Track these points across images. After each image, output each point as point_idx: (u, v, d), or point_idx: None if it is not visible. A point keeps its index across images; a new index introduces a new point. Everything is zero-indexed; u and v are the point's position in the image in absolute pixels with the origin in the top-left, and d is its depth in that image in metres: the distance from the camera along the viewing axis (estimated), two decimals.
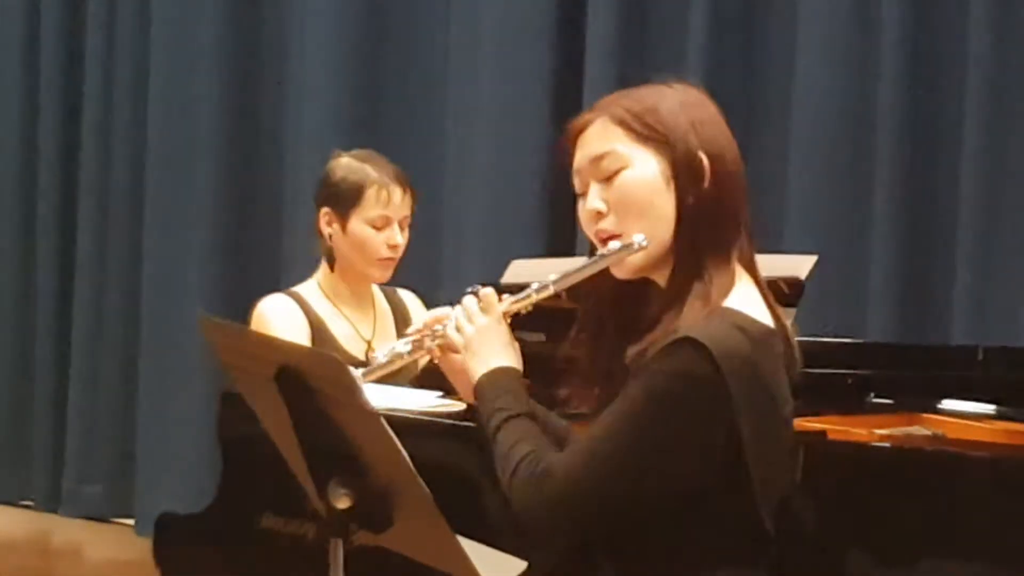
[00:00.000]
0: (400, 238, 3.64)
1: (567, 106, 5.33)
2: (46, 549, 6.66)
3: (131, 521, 6.62)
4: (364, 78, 5.95)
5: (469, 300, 2.32)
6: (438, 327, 2.34)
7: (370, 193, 3.62)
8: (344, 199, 3.63)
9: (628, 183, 2.19)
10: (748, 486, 2.10)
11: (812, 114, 4.85)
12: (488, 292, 2.32)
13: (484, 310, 2.30)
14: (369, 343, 3.69)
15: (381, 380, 2.40)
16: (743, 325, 2.10)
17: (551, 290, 2.27)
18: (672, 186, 2.17)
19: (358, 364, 3.48)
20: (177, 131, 6.43)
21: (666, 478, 2.10)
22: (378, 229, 3.62)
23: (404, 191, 3.65)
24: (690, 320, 2.11)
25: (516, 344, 2.32)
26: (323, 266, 3.73)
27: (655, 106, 2.21)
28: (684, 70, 4.93)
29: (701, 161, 2.17)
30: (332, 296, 3.70)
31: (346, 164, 3.68)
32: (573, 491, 2.11)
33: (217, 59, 6.30)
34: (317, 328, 3.62)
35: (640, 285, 2.24)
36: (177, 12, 6.45)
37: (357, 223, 3.62)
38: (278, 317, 3.61)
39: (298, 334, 3.56)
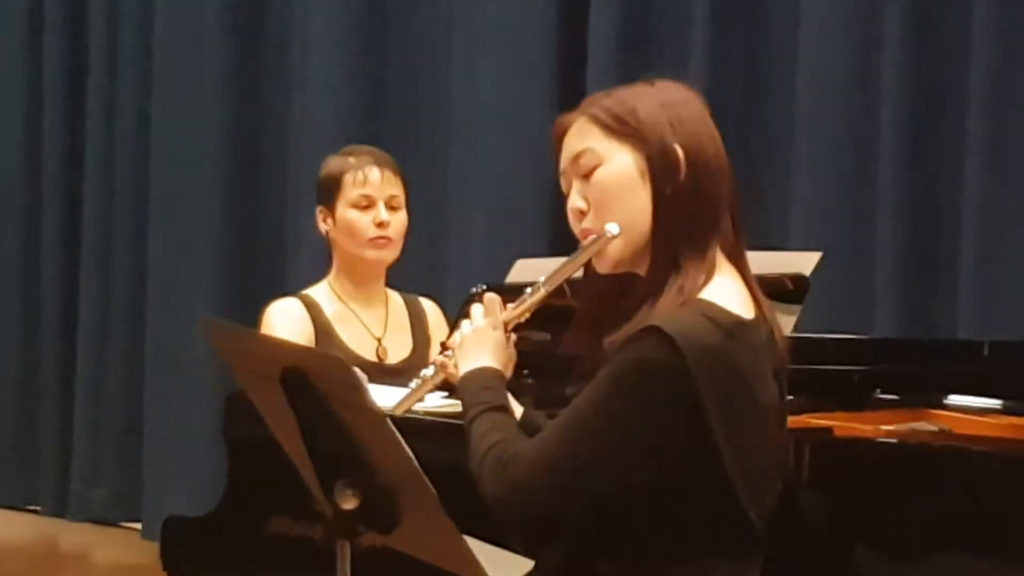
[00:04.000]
0: (386, 215, 3.66)
1: (571, 104, 5.31)
2: (53, 553, 6.67)
3: (138, 525, 6.63)
4: (368, 78, 5.96)
5: (475, 308, 2.36)
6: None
7: (347, 178, 3.67)
8: (329, 191, 3.69)
9: (603, 179, 2.23)
10: (725, 477, 2.11)
11: (816, 110, 4.85)
12: (490, 297, 2.36)
13: (484, 315, 2.35)
14: (380, 340, 3.71)
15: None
16: (713, 316, 2.12)
17: (542, 292, 2.32)
18: (647, 180, 2.20)
19: (367, 365, 3.50)
20: (181, 131, 6.44)
21: (627, 463, 2.11)
22: (363, 210, 3.65)
23: (383, 170, 3.69)
24: (663, 311, 2.14)
25: (511, 351, 2.36)
26: (332, 268, 3.75)
27: (632, 103, 2.24)
28: (687, 69, 4.93)
29: (676, 153, 2.19)
30: (342, 296, 3.72)
31: (330, 161, 3.76)
32: (537, 475, 2.13)
33: (220, 57, 6.31)
34: (323, 332, 3.63)
35: (633, 280, 2.25)
36: (181, 9, 6.45)
37: (342, 209, 3.67)
38: (281, 322, 3.62)
39: (300, 339, 3.57)
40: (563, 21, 5.48)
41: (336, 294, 3.72)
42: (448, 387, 2.43)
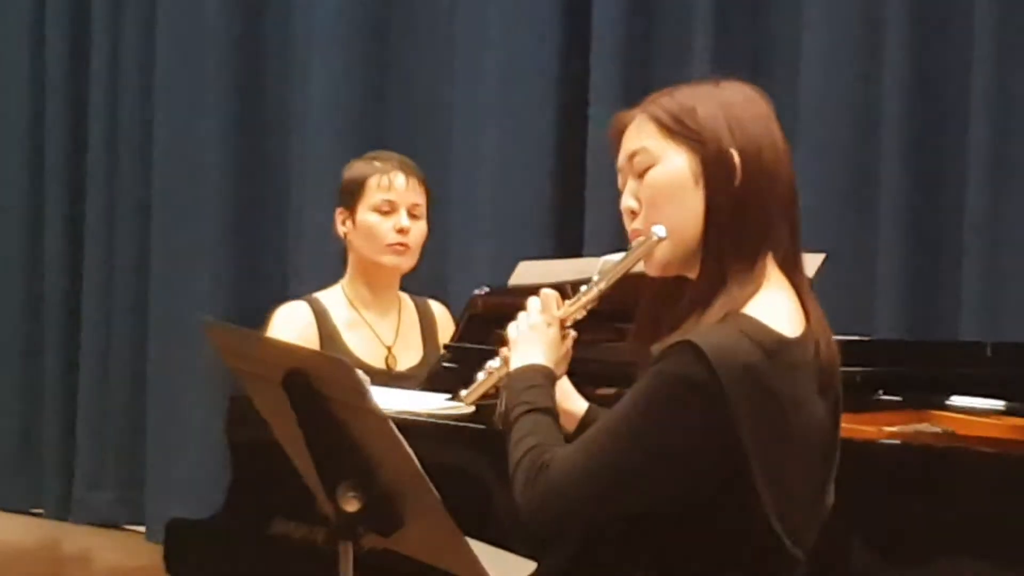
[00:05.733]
0: (407, 221, 3.65)
1: (573, 105, 5.33)
2: (57, 557, 6.67)
3: (142, 528, 6.63)
4: (370, 80, 5.96)
5: (532, 300, 2.33)
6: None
7: (372, 181, 3.66)
8: (351, 194, 3.68)
9: (655, 180, 2.19)
10: (756, 499, 2.07)
11: (818, 110, 4.85)
12: (547, 293, 2.33)
13: (540, 311, 2.32)
14: (389, 349, 3.69)
15: (485, 397, 2.39)
16: (753, 333, 2.08)
17: (596, 290, 2.29)
18: (701, 183, 2.16)
19: (374, 372, 3.50)
20: (184, 135, 6.44)
21: (656, 479, 2.08)
22: (384, 215, 3.64)
23: (408, 177, 3.68)
24: (707, 323, 2.10)
25: (567, 349, 2.33)
26: (348, 271, 3.73)
27: (692, 104, 2.20)
28: (689, 67, 4.93)
29: (732, 158, 2.15)
30: (355, 300, 3.70)
31: (354, 164, 3.75)
32: (565, 485, 2.10)
33: (222, 60, 6.31)
34: (329, 339, 3.62)
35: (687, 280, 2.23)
36: (182, 18, 6.46)
37: (363, 212, 3.66)
38: (286, 328, 3.61)
39: (303, 345, 3.55)
40: (566, 21, 5.48)
41: (348, 299, 3.70)
42: (450, 388, 2.42)
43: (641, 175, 2.20)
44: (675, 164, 2.17)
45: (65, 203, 6.93)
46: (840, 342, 3.76)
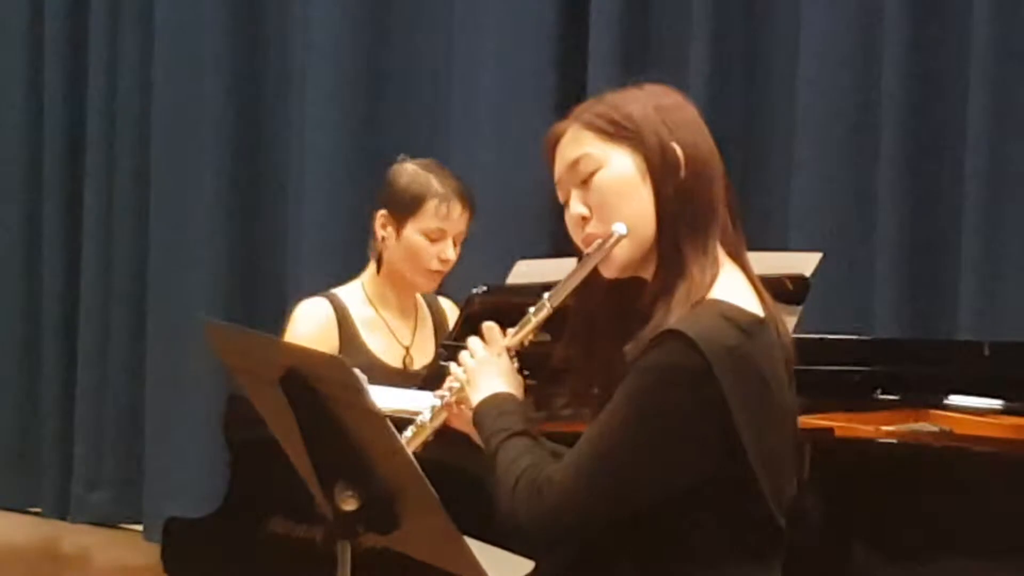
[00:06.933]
0: (452, 253, 3.61)
1: (570, 104, 5.31)
2: (55, 555, 6.67)
3: (139, 527, 6.63)
4: (367, 78, 5.95)
5: (473, 340, 2.33)
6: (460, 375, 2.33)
7: (430, 205, 3.59)
8: (404, 205, 3.60)
9: (604, 182, 2.21)
10: (752, 478, 2.10)
11: (816, 111, 4.85)
12: (488, 326, 2.33)
13: (486, 344, 2.31)
14: (407, 349, 3.68)
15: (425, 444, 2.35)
16: (730, 315, 2.11)
17: (548, 308, 2.27)
18: (648, 180, 2.19)
19: (391, 372, 3.48)
20: (181, 132, 6.43)
21: (664, 472, 2.10)
22: (432, 241, 3.60)
23: (464, 207, 3.63)
24: (678, 313, 2.12)
25: (518, 376, 2.31)
26: (370, 267, 3.70)
27: (626, 107, 2.23)
28: (687, 68, 4.93)
29: (675, 151, 2.18)
30: (375, 299, 3.67)
31: (412, 171, 3.64)
32: (574, 495, 2.11)
33: (220, 58, 6.31)
34: (349, 336, 3.59)
35: (630, 286, 2.24)
36: (180, 15, 6.46)
37: (412, 232, 3.59)
38: (306, 324, 3.59)
39: (323, 343, 3.54)
40: (563, 23, 5.48)
41: (368, 297, 3.66)
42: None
43: (586, 181, 2.22)
44: (621, 164, 2.20)
45: (63, 202, 6.93)
46: (839, 341, 3.79)
